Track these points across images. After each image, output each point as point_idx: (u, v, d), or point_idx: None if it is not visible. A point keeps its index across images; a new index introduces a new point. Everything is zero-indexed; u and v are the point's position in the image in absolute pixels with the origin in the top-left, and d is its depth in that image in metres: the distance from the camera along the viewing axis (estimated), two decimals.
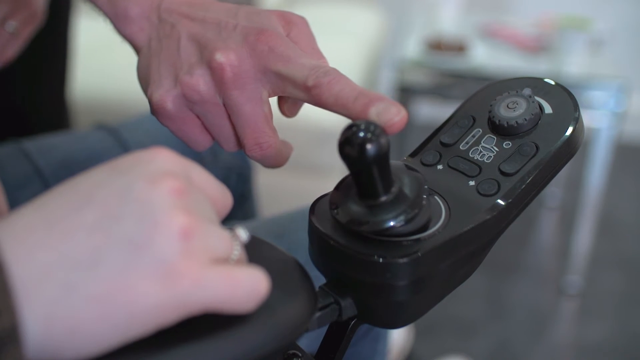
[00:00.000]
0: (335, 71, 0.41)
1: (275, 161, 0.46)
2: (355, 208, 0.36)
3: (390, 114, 0.38)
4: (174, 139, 0.76)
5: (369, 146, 0.32)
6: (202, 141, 0.47)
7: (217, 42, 0.43)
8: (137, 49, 0.48)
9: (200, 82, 0.42)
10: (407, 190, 0.36)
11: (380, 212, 0.35)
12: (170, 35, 0.45)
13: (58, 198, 0.28)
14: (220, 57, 0.42)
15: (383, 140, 0.33)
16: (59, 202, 0.27)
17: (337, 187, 0.39)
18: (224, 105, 0.44)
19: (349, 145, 0.33)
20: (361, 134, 0.33)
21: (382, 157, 0.33)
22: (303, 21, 0.46)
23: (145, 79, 0.46)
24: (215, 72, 0.42)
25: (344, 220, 0.36)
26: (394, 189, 0.35)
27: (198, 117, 0.45)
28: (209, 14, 0.45)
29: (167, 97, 0.43)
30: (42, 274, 0.26)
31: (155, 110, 0.45)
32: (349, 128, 0.33)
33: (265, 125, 0.44)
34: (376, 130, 0.33)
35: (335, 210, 0.37)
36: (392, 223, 0.35)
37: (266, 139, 0.44)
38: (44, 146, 0.70)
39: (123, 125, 0.76)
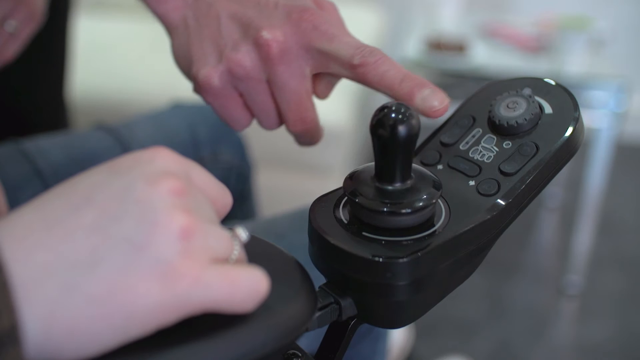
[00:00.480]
0: (380, 52, 0.43)
1: (313, 137, 0.49)
2: (373, 192, 0.36)
3: (434, 101, 0.41)
4: (174, 139, 0.76)
5: (400, 127, 0.34)
6: (243, 119, 0.48)
7: (260, 20, 0.44)
8: (169, 28, 0.48)
9: (247, 58, 0.44)
10: (426, 181, 0.37)
11: (402, 195, 0.36)
12: (208, 14, 0.46)
13: (57, 198, 0.28)
14: (266, 34, 0.43)
15: (414, 122, 0.35)
16: (59, 202, 0.27)
17: (349, 179, 0.39)
18: (268, 82, 0.45)
19: (381, 126, 0.35)
20: (393, 115, 0.35)
21: (413, 137, 0.35)
22: (333, 6, 0.47)
23: (185, 58, 0.47)
24: (261, 49, 0.43)
25: (365, 203, 0.36)
26: (416, 177, 0.37)
27: (241, 95, 0.46)
28: None
29: (214, 73, 0.45)
30: (41, 274, 0.26)
31: (201, 86, 0.46)
32: (380, 110, 0.35)
33: (309, 100, 0.46)
34: (407, 111, 0.35)
35: (354, 195, 0.37)
36: (409, 210, 0.35)
37: (309, 114, 0.46)
38: (44, 146, 0.70)
39: (123, 125, 0.76)
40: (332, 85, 0.50)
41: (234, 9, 0.45)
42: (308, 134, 0.48)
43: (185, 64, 0.47)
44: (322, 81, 0.50)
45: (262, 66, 0.44)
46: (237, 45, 0.44)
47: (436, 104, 0.41)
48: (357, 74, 0.43)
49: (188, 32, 0.47)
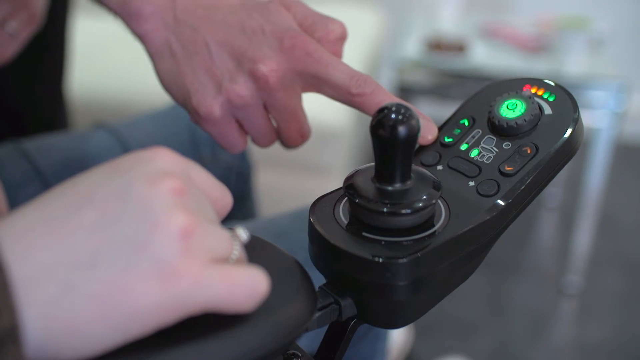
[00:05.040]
0: (373, 81, 0.45)
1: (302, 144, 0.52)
2: (373, 193, 0.36)
3: (428, 135, 0.43)
4: (173, 139, 0.76)
5: (400, 128, 0.35)
6: (241, 143, 0.50)
7: (253, 50, 0.45)
8: (151, 50, 0.48)
9: (245, 88, 0.45)
10: (426, 182, 0.38)
11: (401, 195, 0.36)
12: (194, 41, 0.46)
13: (58, 198, 0.28)
14: (262, 67, 0.45)
15: (414, 122, 0.35)
16: (59, 202, 0.28)
17: (349, 179, 0.38)
18: (265, 105, 0.47)
19: (382, 127, 0.35)
20: (393, 116, 0.35)
21: (413, 138, 0.35)
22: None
23: (177, 87, 0.48)
24: (259, 81, 0.45)
25: (365, 204, 0.36)
26: (416, 177, 0.37)
27: (237, 120, 0.48)
28: (226, 15, 0.46)
29: (215, 105, 0.46)
30: (41, 273, 0.26)
31: (203, 117, 0.47)
32: (380, 111, 0.35)
33: (304, 116, 0.49)
34: (407, 112, 0.35)
35: (355, 195, 0.37)
36: (409, 210, 0.35)
37: (306, 129, 0.50)
38: (44, 146, 0.70)
39: (123, 125, 0.76)
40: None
41: (221, 37, 0.46)
42: (302, 144, 0.51)
43: (178, 93, 0.48)
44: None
45: (260, 94, 0.46)
46: (233, 77, 0.45)
47: (430, 137, 0.43)
48: (354, 102, 0.45)
49: (176, 59, 0.47)
